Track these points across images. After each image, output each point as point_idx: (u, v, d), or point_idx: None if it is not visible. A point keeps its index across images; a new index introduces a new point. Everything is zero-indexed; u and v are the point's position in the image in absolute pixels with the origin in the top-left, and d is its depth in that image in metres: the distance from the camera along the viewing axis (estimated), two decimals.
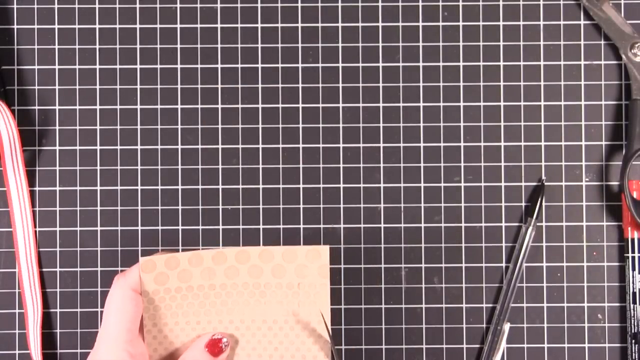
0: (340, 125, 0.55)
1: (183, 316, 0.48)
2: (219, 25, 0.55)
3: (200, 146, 0.55)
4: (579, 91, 0.55)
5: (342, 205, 0.55)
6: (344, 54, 0.55)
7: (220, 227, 0.55)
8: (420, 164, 0.55)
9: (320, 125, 0.55)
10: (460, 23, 0.55)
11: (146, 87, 0.55)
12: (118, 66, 0.55)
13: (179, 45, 0.55)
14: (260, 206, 0.55)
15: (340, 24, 0.55)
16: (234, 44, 0.55)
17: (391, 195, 0.55)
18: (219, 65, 0.55)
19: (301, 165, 0.55)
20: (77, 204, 0.55)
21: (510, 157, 0.55)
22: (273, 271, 0.47)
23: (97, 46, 0.55)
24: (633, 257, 0.53)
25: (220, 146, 0.55)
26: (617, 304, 0.54)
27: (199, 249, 0.49)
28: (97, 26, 0.56)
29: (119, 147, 0.55)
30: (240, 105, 0.55)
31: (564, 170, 0.55)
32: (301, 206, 0.55)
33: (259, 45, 0.55)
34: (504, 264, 0.55)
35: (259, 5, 0.55)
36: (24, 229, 0.55)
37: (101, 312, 0.55)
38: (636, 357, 0.53)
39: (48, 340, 0.55)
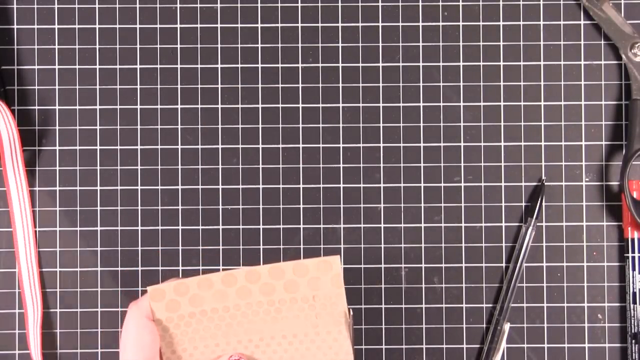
0: (340, 125, 0.55)
1: (201, 340, 0.48)
2: (219, 25, 0.55)
3: (200, 146, 0.55)
4: (579, 91, 0.55)
5: (342, 205, 0.55)
6: (344, 54, 0.55)
7: (220, 227, 0.55)
8: (420, 164, 0.55)
9: (320, 125, 0.55)
10: (460, 23, 0.55)
11: (146, 87, 0.55)
12: (118, 66, 0.55)
13: (179, 45, 0.55)
14: (260, 206, 0.55)
15: (340, 24, 0.55)
16: (234, 44, 0.55)
17: (391, 195, 0.55)
18: (219, 65, 0.55)
19: (301, 165, 0.55)
20: (77, 204, 0.55)
21: (510, 157, 0.55)
22: (285, 287, 0.47)
23: (97, 46, 0.55)
24: (633, 257, 0.53)
25: (220, 146, 0.55)
26: (617, 304, 0.54)
27: (205, 273, 0.49)
28: (97, 26, 0.56)
29: (119, 147, 0.55)
30: (240, 105, 0.55)
31: (564, 170, 0.55)
32: (301, 206, 0.55)
33: (259, 45, 0.55)
34: (504, 264, 0.55)
35: (259, 5, 0.55)
36: (24, 229, 0.55)
37: (101, 312, 0.55)
38: (636, 357, 0.53)
39: (48, 340, 0.55)
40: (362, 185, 0.55)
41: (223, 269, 0.54)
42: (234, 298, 0.47)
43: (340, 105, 0.55)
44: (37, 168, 0.55)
